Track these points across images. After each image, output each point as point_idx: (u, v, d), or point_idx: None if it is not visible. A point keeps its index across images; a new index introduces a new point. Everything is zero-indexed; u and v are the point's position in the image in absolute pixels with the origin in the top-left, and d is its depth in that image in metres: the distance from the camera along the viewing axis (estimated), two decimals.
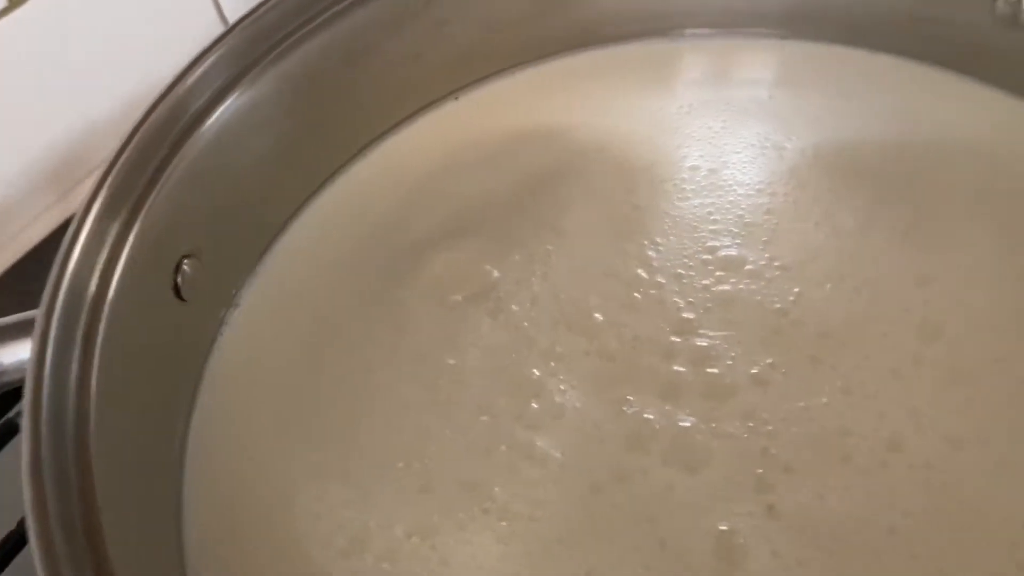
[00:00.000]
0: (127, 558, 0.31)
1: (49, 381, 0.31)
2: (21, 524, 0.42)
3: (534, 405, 0.41)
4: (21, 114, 0.54)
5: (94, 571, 0.28)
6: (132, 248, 0.36)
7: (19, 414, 0.45)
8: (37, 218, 0.58)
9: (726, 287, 0.44)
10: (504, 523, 0.38)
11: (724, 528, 0.37)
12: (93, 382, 0.33)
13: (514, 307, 0.44)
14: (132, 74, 0.59)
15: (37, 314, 0.32)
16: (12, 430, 0.46)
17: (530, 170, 0.49)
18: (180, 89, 0.39)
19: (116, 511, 0.31)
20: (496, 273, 0.45)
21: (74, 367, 0.33)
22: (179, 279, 0.40)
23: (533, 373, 0.42)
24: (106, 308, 0.34)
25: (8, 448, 0.46)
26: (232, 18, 0.62)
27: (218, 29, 0.62)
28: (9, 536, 0.41)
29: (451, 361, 0.42)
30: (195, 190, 0.40)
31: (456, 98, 0.52)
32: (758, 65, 0.53)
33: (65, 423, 0.31)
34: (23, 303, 0.48)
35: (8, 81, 0.53)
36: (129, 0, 0.57)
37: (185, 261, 0.40)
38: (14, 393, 0.37)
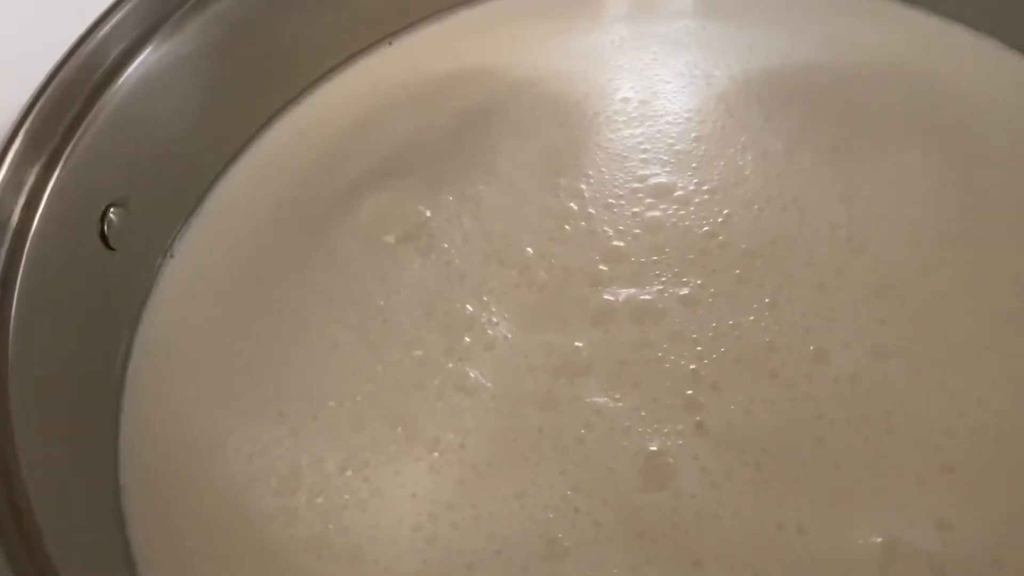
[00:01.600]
0: (54, 514, 0.31)
1: None
2: None
3: (466, 339, 0.41)
4: None
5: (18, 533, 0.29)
6: (52, 193, 0.37)
7: None
8: None
9: (655, 213, 0.44)
10: (435, 454, 0.38)
11: (653, 448, 0.37)
12: (11, 330, 0.33)
13: (445, 245, 0.44)
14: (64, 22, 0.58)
15: None
16: None
17: (463, 110, 0.50)
18: (99, 34, 0.39)
19: (40, 464, 0.32)
20: (428, 212, 0.46)
21: None
22: (106, 227, 0.40)
23: (465, 308, 0.42)
24: (25, 251, 0.35)
25: None
26: None
27: None
28: None
29: (382, 302, 0.43)
30: (118, 139, 0.40)
31: (390, 43, 0.52)
32: None
33: None
34: None
35: None
36: None
37: (112, 210, 0.40)
38: None
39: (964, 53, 0.48)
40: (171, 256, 0.45)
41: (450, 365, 0.41)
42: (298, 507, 0.38)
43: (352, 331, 0.42)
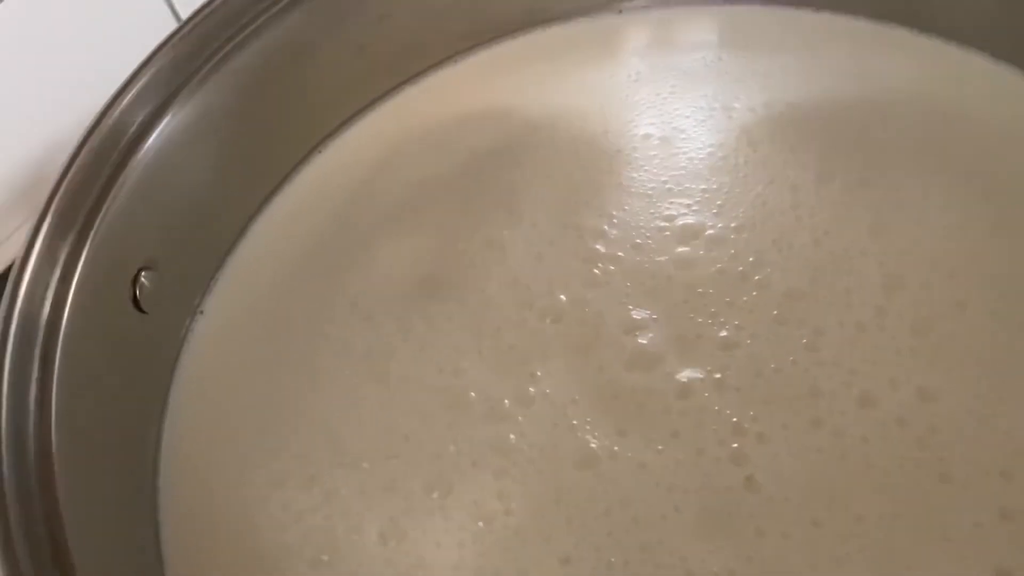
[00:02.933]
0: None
1: (7, 405, 0.31)
2: None
3: (504, 402, 0.40)
4: None
5: None
6: (85, 264, 0.36)
7: None
8: (9, 239, 0.57)
9: (686, 255, 0.44)
10: (478, 522, 0.38)
11: (703, 507, 0.37)
12: (54, 402, 0.33)
13: (472, 295, 0.44)
14: (94, 87, 0.59)
15: None
16: None
17: (480, 152, 0.49)
18: (123, 100, 0.39)
19: (86, 534, 0.31)
20: (451, 260, 0.45)
21: (33, 389, 0.33)
22: (138, 292, 0.40)
23: (501, 363, 0.42)
24: (63, 326, 0.35)
25: None
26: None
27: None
28: None
29: (408, 356, 0.42)
30: (146, 202, 0.40)
31: (404, 89, 0.52)
32: (704, 30, 0.53)
33: (26, 445, 0.31)
34: None
35: None
36: (83, 13, 0.57)
37: (143, 274, 0.40)
38: None
39: (983, 81, 0.48)
40: (201, 313, 0.44)
41: (486, 425, 0.40)
42: None
43: (380, 387, 0.42)
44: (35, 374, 0.33)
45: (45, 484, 0.30)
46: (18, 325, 0.33)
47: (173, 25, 0.60)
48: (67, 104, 0.56)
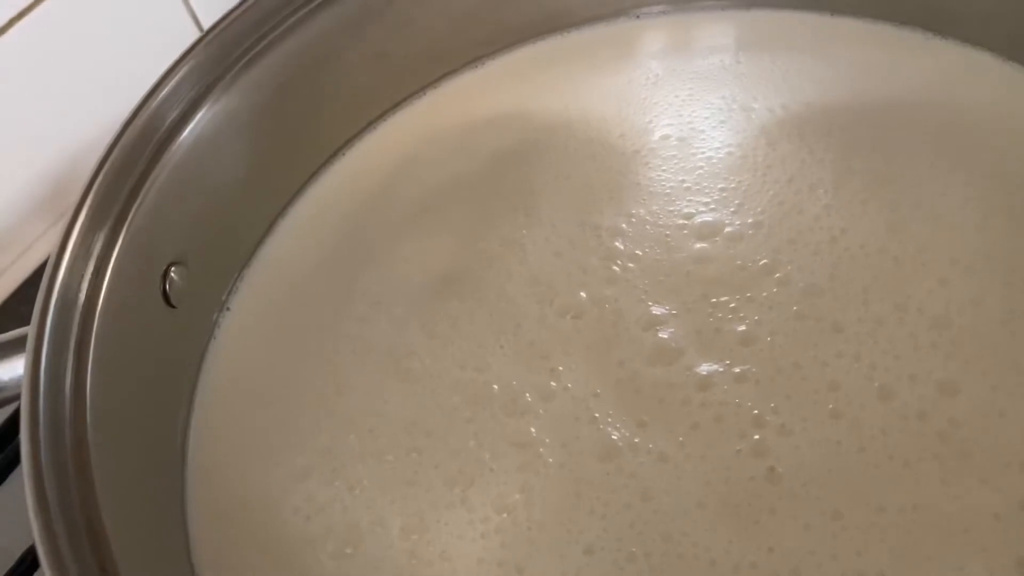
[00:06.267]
0: (134, 565, 0.31)
1: (44, 391, 0.32)
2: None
3: (526, 396, 0.41)
4: (10, 144, 0.55)
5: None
6: (118, 258, 0.37)
7: None
8: (34, 243, 0.59)
9: (705, 251, 0.45)
10: (503, 514, 0.38)
11: (726, 498, 0.37)
12: (88, 389, 0.34)
13: (493, 293, 0.45)
14: (116, 95, 0.60)
15: (29, 328, 0.33)
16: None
17: (500, 154, 0.50)
18: (154, 102, 0.40)
19: (120, 518, 0.32)
20: (472, 259, 0.46)
21: (68, 376, 0.33)
22: (167, 286, 0.40)
23: (522, 359, 0.42)
24: (96, 317, 0.35)
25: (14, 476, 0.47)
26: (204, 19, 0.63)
27: (191, 33, 0.63)
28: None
29: (429, 354, 0.43)
30: (177, 199, 0.41)
31: (426, 93, 0.53)
32: (720, 34, 0.53)
33: (63, 431, 0.32)
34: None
35: None
36: (107, 23, 0.58)
37: (172, 268, 0.41)
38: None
39: (998, 82, 0.49)
40: (227, 309, 0.45)
41: (508, 419, 0.40)
42: (358, 572, 0.38)
43: (403, 383, 0.42)
44: (70, 362, 0.34)
45: (80, 469, 0.31)
46: (54, 314, 0.34)
47: (194, 35, 0.63)
48: (90, 113, 0.58)
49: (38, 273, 0.57)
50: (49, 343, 0.33)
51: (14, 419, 0.46)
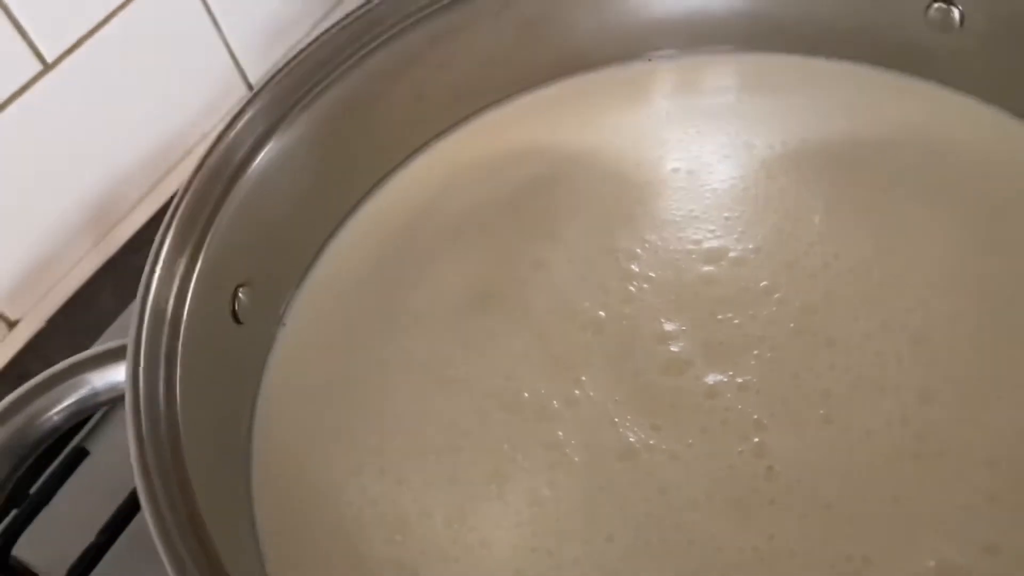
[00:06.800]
0: (219, 532, 0.36)
1: (144, 395, 0.37)
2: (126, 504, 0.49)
3: (554, 403, 0.46)
4: (55, 170, 0.60)
5: (196, 540, 0.34)
6: (197, 281, 0.42)
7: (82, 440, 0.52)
8: (76, 265, 0.64)
9: (712, 274, 0.50)
10: (533, 507, 0.43)
11: (731, 493, 0.42)
12: (178, 394, 0.39)
13: (522, 309, 0.50)
14: (153, 129, 0.65)
15: (128, 341, 0.38)
16: (81, 455, 0.52)
17: (526, 183, 0.55)
18: (225, 141, 0.45)
19: (206, 495, 0.37)
20: (504, 278, 0.51)
21: (161, 384, 0.38)
22: (236, 306, 0.46)
23: (548, 368, 0.47)
24: (181, 333, 0.40)
25: (79, 471, 0.52)
26: (252, 77, 0.69)
27: (235, 87, 0.69)
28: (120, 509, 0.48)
29: (467, 364, 0.48)
30: (243, 228, 0.46)
31: (457, 129, 0.58)
32: (724, 75, 0.59)
33: (160, 430, 0.37)
34: (73, 345, 0.54)
35: (43, 139, 0.59)
36: (152, 63, 0.64)
37: (240, 289, 0.46)
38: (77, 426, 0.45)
39: (974, 121, 0.53)
40: (283, 324, 0.50)
41: (538, 423, 0.45)
42: (410, 555, 0.43)
43: (442, 390, 0.47)
44: (162, 371, 0.39)
45: (178, 463, 0.36)
46: (148, 331, 0.39)
47: (236, 82, 0.68)
48: (130, 144, 0.63)
49: (78, 295, 0.62)
50: (146, 355, 0.38)
51: None
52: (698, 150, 0.56)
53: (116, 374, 0.39)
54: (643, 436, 0.44)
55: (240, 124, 0.46)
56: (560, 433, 0.45)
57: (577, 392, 0.46)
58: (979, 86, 0.53)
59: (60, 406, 0.39)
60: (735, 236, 0.51)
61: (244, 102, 0.46)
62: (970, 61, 0.52)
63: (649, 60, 0.59)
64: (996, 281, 0.47)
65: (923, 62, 0.54)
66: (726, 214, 0.52)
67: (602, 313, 0.49)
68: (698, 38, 0.57)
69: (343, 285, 0.53)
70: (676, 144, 0.56)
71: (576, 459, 0.44)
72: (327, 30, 0.49)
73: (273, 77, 0.48)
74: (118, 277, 0.63)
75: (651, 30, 0.57)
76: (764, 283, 0.49)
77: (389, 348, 0.50)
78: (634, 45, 0.58)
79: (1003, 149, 0.52)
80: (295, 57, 0.49)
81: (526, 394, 0.46)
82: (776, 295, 0.48)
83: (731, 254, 0.50)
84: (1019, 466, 0.40)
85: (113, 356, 0.39)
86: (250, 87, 0.70)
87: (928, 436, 0.42)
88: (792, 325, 0.47)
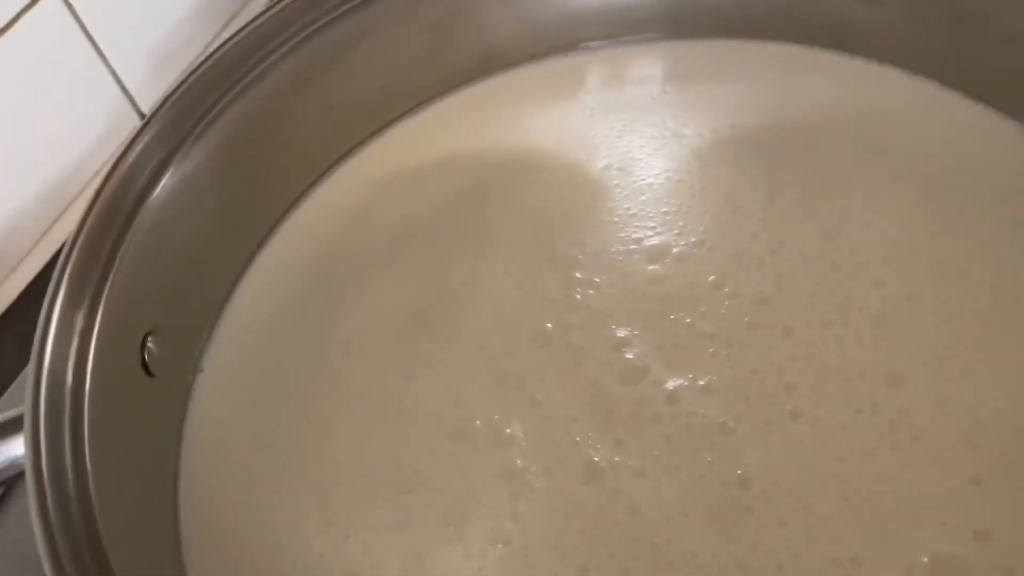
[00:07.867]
0: None
1: (49, 472, 0.33)
2: None
3: (507, 430, 0.43)
4: None
5: None
6: (99, 336, 0.38)
7: None
8: None
9: (658, 273, 0.47)
10: (498, 544, 0.40)
11: (706, 505, 0.39)
12: (88, 465, 0.34)
13: (463, 328, 0.47)
14: (40, 171, 0.60)
15: (24, 412, 0.34)
16: None
17: (453, 193, 0.52)
18: (119, 174, 0.41)
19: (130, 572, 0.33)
20: (439, 297, 0.48)
21: (68, 456, 0.34)
22: (146, 357, 0.41)
23: (497, 390, 0.44)
24: (86, 396, 0.36)
25: None
26: (144, 106, 0.64)
27: (127, 117, 0.64)
28: None
29: (407, 394, 0.44)
30: (146, 270, 0.41)
31: (374, 140, 0.54)
32: (648, 66, 0.56)
33: (71, 510, 0.32)
34: None
35: None
36: (31, 102, 0.58)
37: (149, 338, 0.41)
38: None
39: (904, 93, 0.53)
40: (201, 371, 0.46)
41: (493, 452, 0.42)
42: None
43: (385, 425, 0.44)
44: (68, 444, 0.34)
45: (95, 550, 0.32)
46: (47, 399, 0.34)
47: (129, 114, 0.63)
48: (22, 185, 0.57)
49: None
50: (46, 426, 0.34)
51: None
52: (627, 145, 0.54)
53: (14, 448, 0.34)
54: (606, 453, 0.41)
55: (133, 155, 0.42)
56: (518, 461, 0.42)
57: (532, 412, 0.43)
58: (907, 58, 0.52)
59: None
60: (676, 231, 0.49)
61: (136, 131, 0.42)
62: (897, 33, 0.51)
63: (571, 54, 0.56)
64: (951, 256, 0.45)
65: (850, 37, 0.53)
66: (664, 209, 0.50)
67: (549, 325, 0.46)
68: (619, 28, 0.55)
69: (264, 320, 0.48)
70: (604, 140, 0.54)
71: (538, 486, 0.41)
72: (220, 46, 0.45)
73: (165, 101, 0.44)
74: (17, 331, 0.57)
75: (569, 22, 0.55)
76: (712, 277, 0.47)
77: (322, 385, 0.46)
78: (552, 39, 0.56)
79: (936, 120, 0.51)
80: (187, 77, 0.44)
81: (477, 422, 0.43)
82: (726, 289, 0.46)
83: (674, 250, 0.48)
84: (998, 445, 0.39)
85: (11, 428, 0.34)
86: (142, 116, 0.65)
87: (901, 422, 0.40)
88: (746, 319, 0.45)
